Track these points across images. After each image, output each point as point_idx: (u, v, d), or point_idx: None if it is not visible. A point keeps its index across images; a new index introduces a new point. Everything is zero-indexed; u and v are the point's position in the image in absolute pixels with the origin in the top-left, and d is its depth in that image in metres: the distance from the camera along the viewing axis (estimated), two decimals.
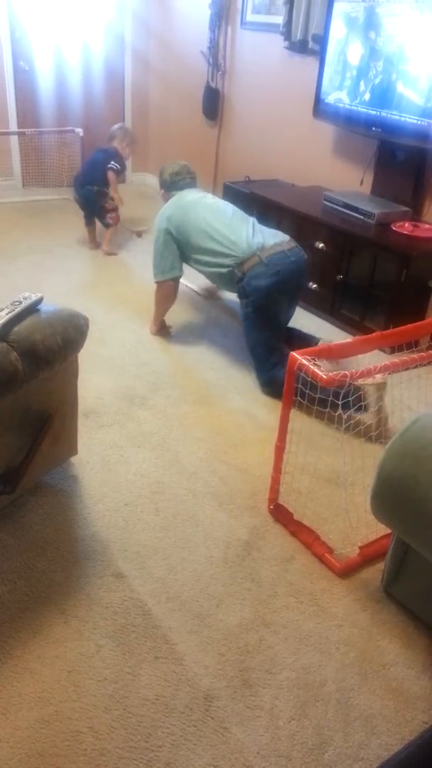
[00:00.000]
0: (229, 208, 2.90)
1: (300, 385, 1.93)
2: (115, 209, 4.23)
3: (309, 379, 2.03)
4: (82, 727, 1.39)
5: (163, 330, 3.17)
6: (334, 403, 2.19)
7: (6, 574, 1.74)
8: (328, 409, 2.42)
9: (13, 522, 1.91)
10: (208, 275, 2.88)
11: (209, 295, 3.64)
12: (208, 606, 1.70)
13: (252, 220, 2.84)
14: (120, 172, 4.28)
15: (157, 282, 3.00)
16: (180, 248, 2.88)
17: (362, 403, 2.33)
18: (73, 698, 1.45)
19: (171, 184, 3.10)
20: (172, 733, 1.40)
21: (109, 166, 4.16)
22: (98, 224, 4.31)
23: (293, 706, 1.48)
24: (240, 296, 2.73)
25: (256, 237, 2.69)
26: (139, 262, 4.08)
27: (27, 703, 1.43)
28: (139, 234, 4.20)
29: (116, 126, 4.42)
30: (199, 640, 1.61)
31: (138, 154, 5.86)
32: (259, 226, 2.78)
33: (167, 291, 3.02)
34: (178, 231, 2.83)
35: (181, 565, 1.82)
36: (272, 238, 2.70)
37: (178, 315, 3.39)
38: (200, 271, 2.91)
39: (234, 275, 2.68)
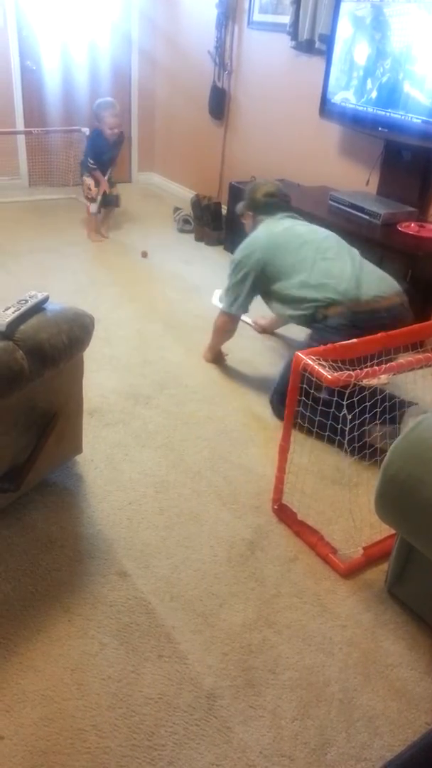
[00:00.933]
0: (327, 239, 2.49)
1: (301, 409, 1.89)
2: (89, 198, 4.35)
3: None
4: (86, 725, 1.40)
5: (219, 358, 2.91)
6: (335, 421, 2.00)
7: (10, 572, 1.75)
8: (327, 437, 2.16)
9: (18, 520, 1.92)
10: (282, 315, 2.59)
11: (263, 330, 3.28)
12: (211, 605, 1.70)
13: (353, 254, 2.46)
14: (92, 166, 4.29)
15: (222, 311, 2.74)
16: (261, 285, 2.53)
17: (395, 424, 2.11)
18: (76, 696, 1.45)
19: (263, 207, 2.67)
20: (175, 732, 1.40)
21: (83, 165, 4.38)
22: (110, 212, 4.57)
23: (296, 706, 1.48)
24: (312, 333, 2.43)
25: (352, 283, 2.29)
26: (144, 263, 4.09)
27: (31, 701, 1.44)
28: (144, 254, 4.17)
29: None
30: (202, 640, 1.61)
31: (143, 153, 5.89)
32: (359, 266, 2.38)
33: (230, 324, 2.75)
34: (264, 271, 2.49)
35: (184, 565, 1.82)
36: (373, 289, 2.30)
37: (181, 315, 3.40)
38: (275, 311, 2.60)
39: (315, 317, 2.35)
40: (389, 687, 1.53)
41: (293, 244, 2.47)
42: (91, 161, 4.28)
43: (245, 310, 2.66)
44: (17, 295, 1.74)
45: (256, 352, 3.05)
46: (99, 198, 4.34)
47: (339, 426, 1.97)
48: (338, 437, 2.02)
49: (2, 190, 5.15)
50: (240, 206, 2.80)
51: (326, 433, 2.08)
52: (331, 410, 2.01)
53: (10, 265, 3.87)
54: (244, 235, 3.90)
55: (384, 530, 1.87)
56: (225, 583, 1.78)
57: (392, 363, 1.77)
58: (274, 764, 1.36)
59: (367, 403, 1.94)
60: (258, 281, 2.52)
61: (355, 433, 2.01)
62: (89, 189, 4.33)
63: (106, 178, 4.36)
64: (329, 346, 1.87)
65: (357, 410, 1.91)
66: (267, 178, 2.80)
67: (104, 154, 4.30)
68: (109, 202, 4.45)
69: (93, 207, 4.37)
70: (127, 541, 1.88)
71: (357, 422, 1.97)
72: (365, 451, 2.15)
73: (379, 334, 1.95)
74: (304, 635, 1.64)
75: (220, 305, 3.35)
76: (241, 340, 3.15)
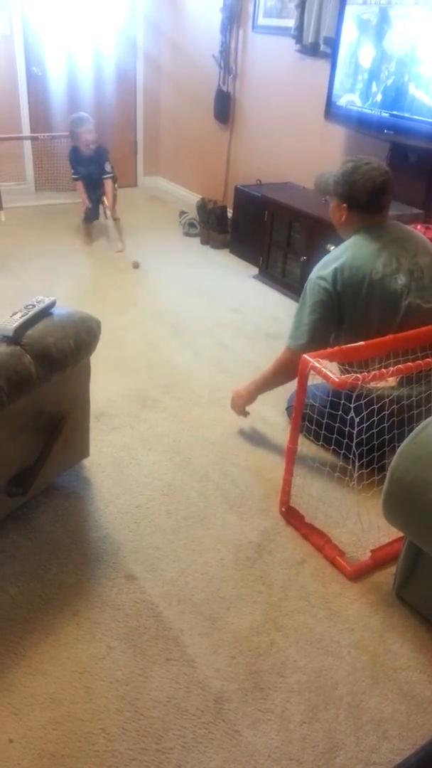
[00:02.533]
0: (409, 310, 2.03)
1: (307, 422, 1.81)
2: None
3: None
4: (94, 729, 1.40)
5: (244, 408, 2.40)
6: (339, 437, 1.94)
7: (18, 575, 1.75)
8: (333, 449, 2.10)
9: (26, 523, 1.93)
10: None
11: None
12: (219, 608, 1.70)
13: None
14: (73, 176, 4.46)
15: (287, 347, 2.15)
16: (341, 317, 2.06)
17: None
18: (84, 699, 1.46)
19: (367, 204, 2.05)
20: (183, 735, 1.40)
21: None
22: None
23: (304, 709, 1.47)
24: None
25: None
26: (150, 267, 4.10)
27: (39, 704, 1.44)
28: (136, 265, 4.04)
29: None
30: (210, 643, 1.61)
31: (149, 157, 5.91)
32: None
33: (291, 364, 2.05)
34: (344, 295, 2.03)
35: (192, 568, 1.82)
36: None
37: (187, 318, 3.40)
38: None
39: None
40: (398, 690, 1.53)
41: (386, 299, 2.02)
42: (72, 171, 4.43)
43: (309, 345, 2.03)
44: (24, 300, 1.75)
45: (262, 354, 3.05)
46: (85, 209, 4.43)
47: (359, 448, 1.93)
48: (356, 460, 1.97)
49: (9, 196, 5.16)
50: (328, 184, 2.14)
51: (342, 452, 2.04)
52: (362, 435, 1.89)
53: (17, 269, 3.89)
54: (249, 237, 3.72)
55: (392, 533, 1.87)
56: (232, 586, 1.78)
57: (400, 366, 1.76)
58: None
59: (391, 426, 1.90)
60: (332, 312, 2.05)
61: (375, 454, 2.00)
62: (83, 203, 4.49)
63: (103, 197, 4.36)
64: (336, 348, 1.86)
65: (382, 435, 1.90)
66: (370, 158, 2.07)
67: (82, 167, 4.35)
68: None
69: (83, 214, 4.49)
70: (134, 545, 1.89)
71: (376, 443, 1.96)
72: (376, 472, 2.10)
73: (388, 336, 1.94)
74: (311, 638, 1.64)
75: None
76: (249, 343, 3.15)
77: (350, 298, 2.03)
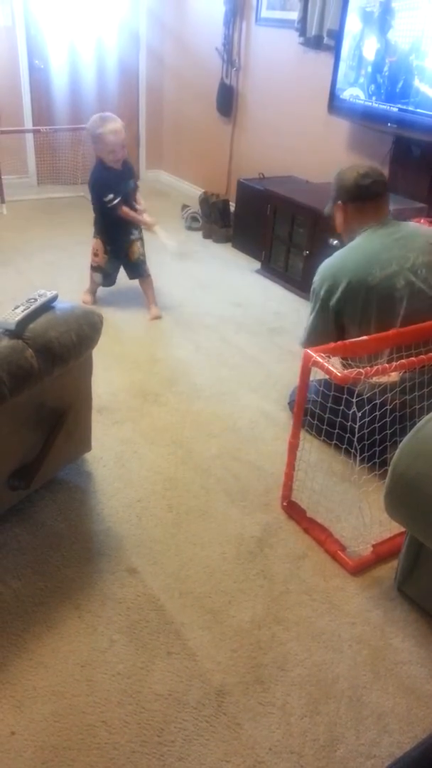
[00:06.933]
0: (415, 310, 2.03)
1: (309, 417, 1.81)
2: (94, 266, 3.37)
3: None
4: (95, 721, 1.40)
5: None
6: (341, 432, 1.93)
7: (20, 569, 1.76)
8: (334, 442, 2.11)
9: (28, 517, 1.93)
10: None
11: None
12: (220, 602, 1.71)
13: None
14: (113, 202, 3.11)
15: (301, 345, 2.17)
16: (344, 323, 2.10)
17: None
18: (86, 692, 1.46)
19: (358, 192, 2.11)
20: (184, 728, 1.41)
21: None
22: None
23: (305, 703, 1.48)
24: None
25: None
26: (152, 261, 4.09)
27: (41, 697, 1.45)
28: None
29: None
30: (211, 636, 1.61)
31: (151, 150, 5.89)
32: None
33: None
34: (342, 306, 2.07)
35: (193, 561, 1.83)
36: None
37: (189, 312, 3.40)
38: None
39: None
40: (399, 684, 1.53)
41: (384, 302, 2.03)
42: (111, 197, 3.03)
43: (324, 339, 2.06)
44: (26, 294, 1.75)
45: (264, 349, 3.05)
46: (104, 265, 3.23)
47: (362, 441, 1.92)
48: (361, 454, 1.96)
49: (11, 189, 5.16)
50: (328, 206, 2.26)
51: (344, 446, 2.03)
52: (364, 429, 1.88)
53: (19, 263, 3.89)
54: (251, 231, 3.73)
55: (393, 527, 1.87)
56: (234, 580, 1.78)
57: (402, 361, 1.76)
58: (283, 761, 1.36)
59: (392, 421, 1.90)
60: (333, 322, 2.10)
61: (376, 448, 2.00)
62: (95, 255, 3.29)
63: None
64: (339, 343, 1.86)
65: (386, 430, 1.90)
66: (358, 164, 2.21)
67: (120, 185, 3.06)
68: (135, 272, 3.33)
69: (97, 277, 3.35)
70: (136, 538, 1.89)
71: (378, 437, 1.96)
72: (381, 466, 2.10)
73: (391, 331, 1.93)
74: (313, 632, 1.64)
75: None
76: (252, 337, 3.15)
77: (349, 308, 2.07)
